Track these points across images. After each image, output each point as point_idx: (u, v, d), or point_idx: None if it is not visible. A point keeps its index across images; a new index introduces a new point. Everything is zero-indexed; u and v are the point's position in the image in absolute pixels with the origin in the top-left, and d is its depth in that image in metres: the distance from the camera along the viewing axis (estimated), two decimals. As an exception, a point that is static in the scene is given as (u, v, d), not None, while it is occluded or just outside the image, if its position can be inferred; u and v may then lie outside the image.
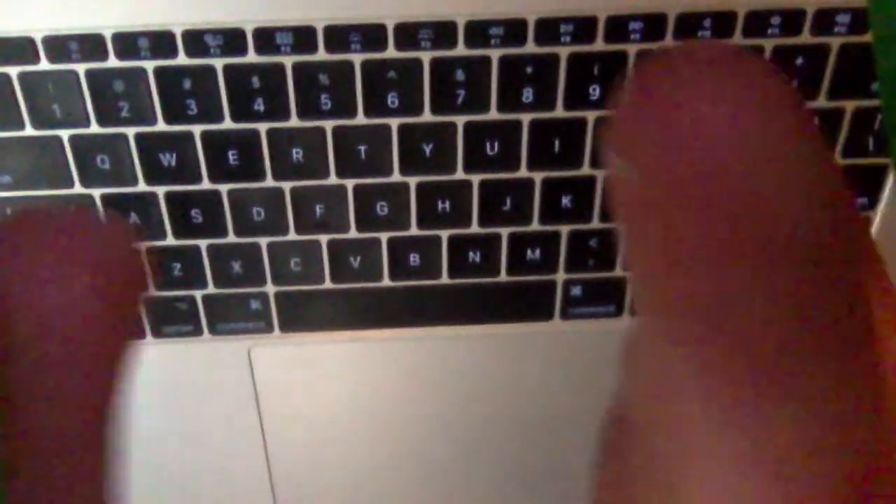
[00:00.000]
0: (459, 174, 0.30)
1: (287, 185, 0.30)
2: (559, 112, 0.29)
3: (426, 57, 0.27)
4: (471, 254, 0.31)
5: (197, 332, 0.33)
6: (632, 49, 0.28)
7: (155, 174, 0.29)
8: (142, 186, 0.29)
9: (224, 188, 0.29)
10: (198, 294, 0.32)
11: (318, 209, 0.30)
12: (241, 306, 0.32)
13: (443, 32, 0.27)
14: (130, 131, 0.28)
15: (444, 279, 0.32)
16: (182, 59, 0.27)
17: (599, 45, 0.27)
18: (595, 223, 0.31)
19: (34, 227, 0.08)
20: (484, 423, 0.36)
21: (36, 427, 0.08)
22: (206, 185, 0.29)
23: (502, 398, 0.35)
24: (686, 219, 0.07)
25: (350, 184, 0.30)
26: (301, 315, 0.32)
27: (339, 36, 0.27)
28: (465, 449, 0.37)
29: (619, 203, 0.07)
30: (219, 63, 0.27)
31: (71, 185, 0.29)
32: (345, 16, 0.27)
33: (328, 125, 0.28)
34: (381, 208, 0.30)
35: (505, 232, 0.31)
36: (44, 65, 0.27)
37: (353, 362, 0.34)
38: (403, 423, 0.36)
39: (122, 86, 0.27)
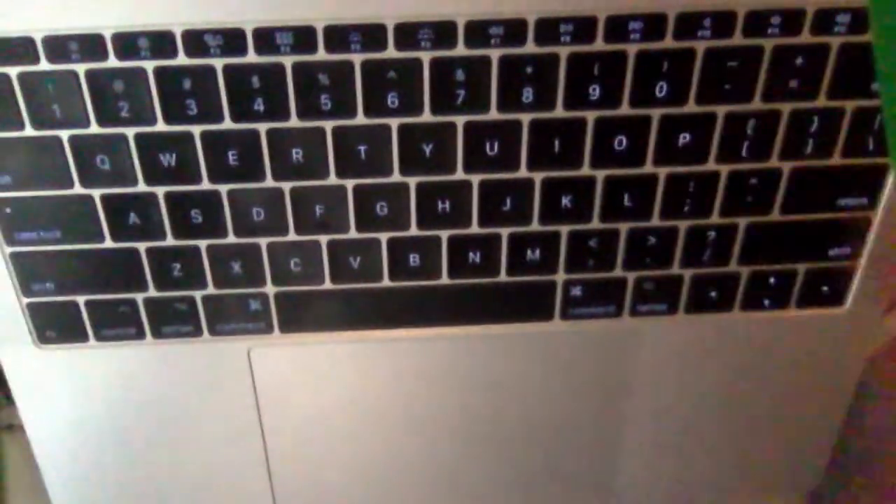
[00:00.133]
0: (459, 174, 0.30)
1: (287, 186, 0.29)
2: (559, 112, 0.29)
3: (426, 57, 0.27)
4: (471, 254, 0.31)
5: (197, 332, 0.33)
6: (632, 49, 0.28)
7: (155, 174, 0.29)
8: (142, 187, 0.29)
9: (224, 188, 0.29)
10: (197, 294, 0.32)
11: (318, 209, 0.30)
12: (240, 307, 0.32)
13: (443, 32, 0.27)
14: (130, 131, 0.28)
15: (444, 279, 0.32)
16: (182, 59, 0.27)
17: (599, 45, 0.27)
18: (595, 223, 0.31)
19: None
20: (484, 423, 0.36)
21: None
22: (205, 185, 0.29)
23: (502, 398, 0.35)
24: None
25: (350, 184, 0.30)
26: (301, 315, 0.32)
27: (339, 36, 0.27)
28: (465, 449, 0.37)
29: None
30: (219, 63, 0.27)
31: (71, 185, 0.29)
32: (345, 16, 0.27)
33: (328, 125, 0.28)
34: (381, 208, 0.30)
35: (505, 232, 0.31)
36: (44, 65, 0.27)
37: (353, 362, 0.34)
38: (403, 424, 0.36)
39: (122, 86, 0.27)
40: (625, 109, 0.29)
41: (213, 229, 0.30)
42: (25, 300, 0.32)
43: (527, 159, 0.29)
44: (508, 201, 0.30)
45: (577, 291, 0.33)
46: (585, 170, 0.30)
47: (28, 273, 0.31)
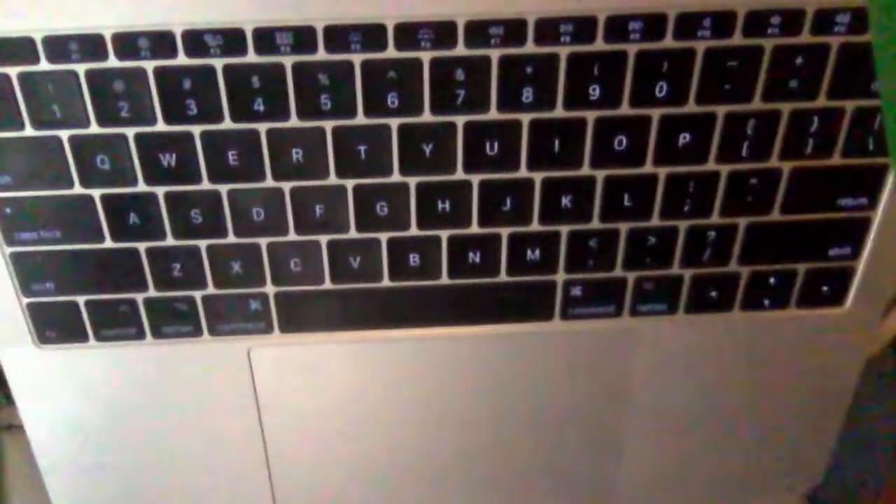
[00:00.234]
0: (459, 174, 0.30)
1: (287, 186, 0.29)
2: (559, 112, 0.29)
3: (426, 57, 0.27)
4: (471, 254, 0.31)
5: (197, 332, 0.33)
6: (632, 49, 0.28)
7: (155, 174, 0.29)
8: (142, 187, 0.29)
9: (224, 188, 0.29)
10: (197, 294, 0.32)
11: (318, 209, 0.30)
12: (240, 307, 0.32)
13: (443, 32, 0.27)
14: (130, 131, 0.28)
15: (444, 279, 0.32)
16: (182, 59, 0.27)
17: (599, 45, 0.27)
18: (595, 223, 0.31)
19: None
20: (484, 422, 0.36)
21: None
22: (205, 185, 0.29)
23: (502, 398, 0.35)
24: None
25: (350, 184, 0.30)
26: (301, 315, 0.32)
27: (339, 36, 0.27)
28: (464, 449, 0.37)
29: None
30: (219, 63, 0.27)
31: (70, 185, 0.29)
32: (345, 16, 0.27)
33: (328, 125, 0.28)
34: (381, 208, 0.30)
35: (505, 232, 0.31)
36: (44, 65, 0.27)
37: (353, 362, 0.34)
38: (403, 424, 0.36)
39: (121, 86, 0.27)
40: (625, 109, 0.29)
41: (213, 229, 0.30)
42: (25, 300, 0.32)
43: (527, 159, 0.29)
44: (508, 201, 0.30)
45: (577, 291, 0.33)
46: (585, 170, 0.30)
47: (28, 273, 0.31)
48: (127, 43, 0.27)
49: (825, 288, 0.33)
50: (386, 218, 0.30)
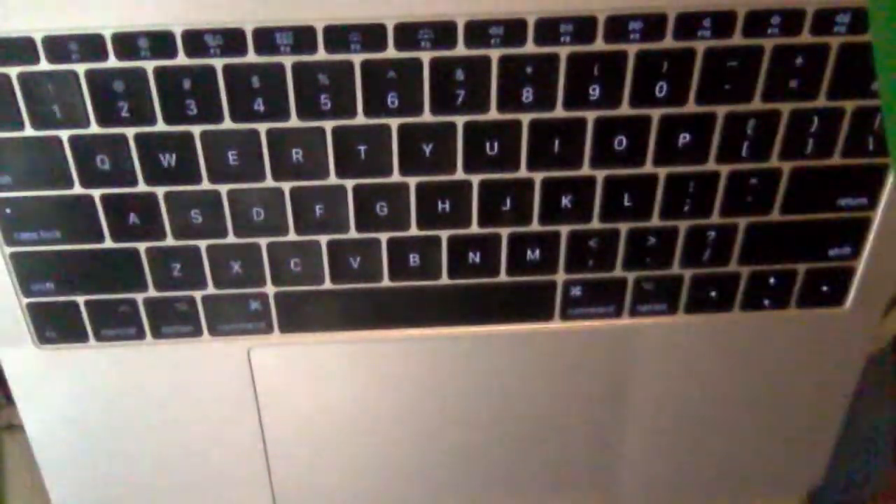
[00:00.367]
0: (459, 174, 0.30)
1: (287, 186, 0.29)
2: (559, 112, 0.29)
3: (426, 57, 0.27)
4: (470, 254, 0.31)
5: (196, 332, 0.33)
6: (632, 49, 0.28)
7: (155, 174, 0.29)
8: (142, 187, 0.29)
9: (224, 188, 0.29)
10: (197, 295, 0.32)
11: (318, 209, 0.30)
12: (240, 307, 0.32)
13: (443, 32, 0.27)
14: (130, 131, 0.28)
15: (444, 279, 0.32)
16: (182, 59, 0.27)
17: (599, 44, 0.27)
18: (595, 223, 0.31)
19: None
20: (484, 423, 0.36)
21: None
22: (205, 185, 0.29)
23: (502, 398, 0.35)
24: None
25: (350, 184, 0.30)
26: (301, 315, 0.32)
27: (338, 36, 0.27)
28: (464, 449, 0.37)
29: None
30: (219, 63, 0.27)
31: (70, 185, 0.29)
32: (345, 16, 0.27)
33: (328, 125, 0.28)
34: (381, 208, 0.30)
35: (505, 232, 0.31)
36: (44, 65, 0.27)
37: (353, 362, 0.34)
38: (403, 423, 0.36)
39: (122, 86, 0.27)
40: (625, 109, 0.29)
41: (213, 229, 0.30)
42: (25, 300, 0.32)
43: (527, 159, 0.29)
44: (508, 201, 0.30)
45: (576, 291, 0.33)
46: (585, 170, 0.30)
47: (28, 273, 0.31)
48: (127, 43, 0.27)
49: (825, 288, 0.33)
50: (386, 218, 0.30)
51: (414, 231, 0.31)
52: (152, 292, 0.31)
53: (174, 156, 0.29)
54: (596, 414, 0.36)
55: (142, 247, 0.31)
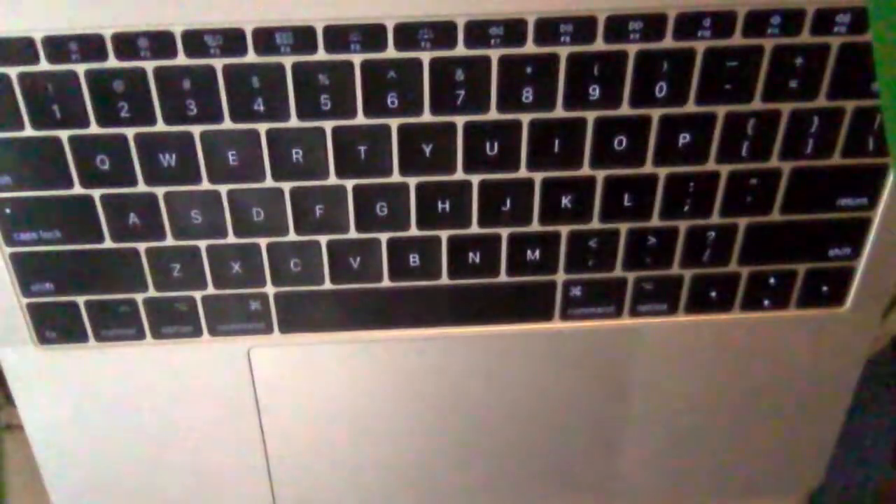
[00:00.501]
0: (459, 174, 0.30)
1: (287, 186, 0.29)
2: (559, 112, 0.29)
3: (426, 57, 0.27)
4: (470, 254, 0.31)
5: (196, 332, 0.33)
6: (632, 49, 0.28)
7: (155, 174, 0.29)
8: (142, 187, 0.29)
9: (224, 188, 0.29)
10: (197, 295, 0.32)
11: (318, 209, 0.30)
12: (240, 307, 0.32)
13: (443, 32, 0.27)
14: (130, 131, 0.28)
15: (444, 279, 0.32)
16: (182, 59, 0.27)
17: (599, 44, 0.27)
18: (595, 223, 0.31)
19: None
20: (484, 423, 0.36)
21: None
22: (205, 185, 0.29)
23: (502, 398, 0.35)
24: None
25: (349, 184, 0.30)
26: (301, 316, 0.32)
27: (338, 36, 0.27)
28: (464, 449, 0.37)
29: None
30: (219, 63, 0.27)
31: (70, 185, 0.29)
32: (345, 16, 0.27)
33: (328, 125, 0.28)
34: (381, 209, 0.30)
35: (505, 232, 0.31)
36: (44, 65, 0.27)
37: (353, 362, 0.34)
38: (403, 424, 0.36)
39: (122, 86, 0.27)
40: (625, 109, 0.29)
41: (212, 229, 0.30)
42: (25, 300, 0.32)
43: (527, 159, 0.29)
44: (508, 201, 0.30)
45: (576, 291, 0.33)
46: (585, 170, 0.30)
47: (28, 273, 0.31)
48: (127, 43, 0.27)
49: (825, 288, 0.33)
50: (386, 218, 0.30)
51: (414, 231, 0.31)
52: (152, 292, 0.31)
53: (174, 156, 0.29)
54: (596, 414, 0.36)
55: (142, 247, 0.31)
